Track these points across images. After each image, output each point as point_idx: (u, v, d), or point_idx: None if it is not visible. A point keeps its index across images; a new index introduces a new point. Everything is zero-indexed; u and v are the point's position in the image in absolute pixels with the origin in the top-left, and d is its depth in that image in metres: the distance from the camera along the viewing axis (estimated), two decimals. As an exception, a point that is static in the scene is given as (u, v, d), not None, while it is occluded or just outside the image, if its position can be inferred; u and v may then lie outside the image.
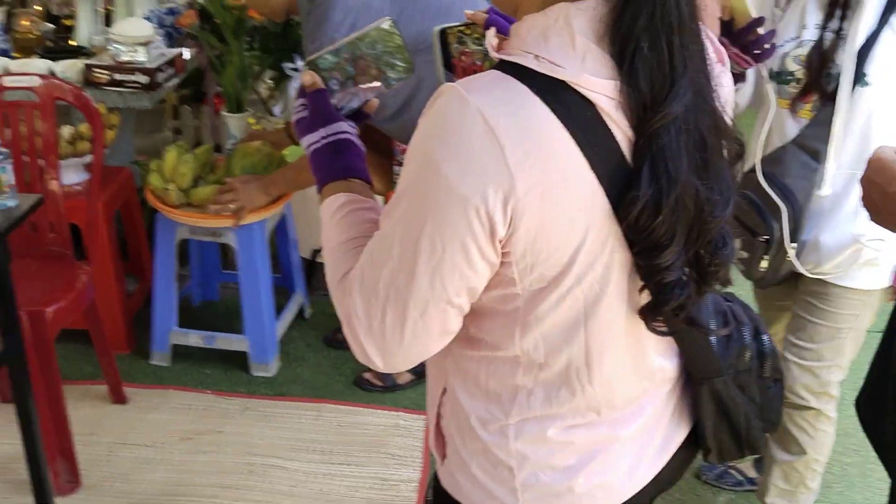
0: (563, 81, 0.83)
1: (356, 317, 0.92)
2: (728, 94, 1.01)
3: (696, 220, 0.89)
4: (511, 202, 0.82)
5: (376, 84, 1.08)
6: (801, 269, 1.80)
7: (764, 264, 1.80)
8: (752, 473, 2.38)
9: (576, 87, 0.83)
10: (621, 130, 0.85)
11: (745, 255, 1.84)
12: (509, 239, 0.85)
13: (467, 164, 0.82)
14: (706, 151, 0.89)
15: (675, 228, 0.87)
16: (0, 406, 2.50)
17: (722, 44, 1.63)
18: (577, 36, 0.84)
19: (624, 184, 0.86)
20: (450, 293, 0.88)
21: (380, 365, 0.95)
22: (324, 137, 1.05)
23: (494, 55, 0.89)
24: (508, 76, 0.84)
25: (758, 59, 1.65)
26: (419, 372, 2.67)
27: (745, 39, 1.61)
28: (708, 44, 0.95)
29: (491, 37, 0.93)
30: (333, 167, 1.04)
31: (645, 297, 0.93)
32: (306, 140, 1.06)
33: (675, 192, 0.85)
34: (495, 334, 0.97)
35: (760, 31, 1.60)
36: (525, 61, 0.84)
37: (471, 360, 1.02)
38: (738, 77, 1.77)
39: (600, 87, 0.84)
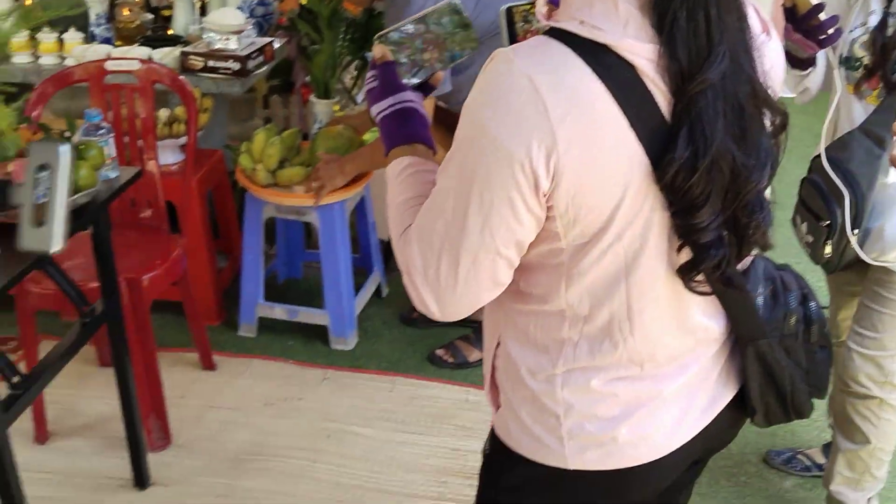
0: (605, 45, 0.89)
1: (414, 266, 1.00)
2: (772, 66, 1.03)
3: (732, 184, 0.93)
4: (553, 157, 0.88)
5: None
6: (865, 257, 1.80)
7: (827, 249, 1.80)
8: (820, 459, 2.36)
9: (617, 51, 0.88)
10: (661, 93, 0.90)
11: (810, 238, 1.85)
12: (552, 193, 0.91)
13: (512, 122, 0.88)
14: (743, 118, 0.93)
15: (709, 190, 0.91)
16: (99, 370, 2.70)
17: (786, 29, 1.66)
18: (621, 3, 0.89)
19: (664, 144, 0.90)
20: (498, 244, 0.95)
21: (435, 311, 1.02)
22: (391, 106, 1.14)
23: (544, 22, 0.96)
24: (553, 40, 0.90)
25: (822, 44, 1.66)
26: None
27: (807, 25, 1.63)
28: (752, 14, 0.99)
29: (541, 5, 0.99)
30: (399, 133, 1.13)
31: (684, 257, 0.98)
32: (375, 108, 1.15)
33: (711, 155, 0.89)
34: (542, 288, 1.03)
35: (822, 16, 1.61)
36: (570, 26, 0.91)
37: (521, 314, 1.08)
38: (808, 62, 1.79)
39: (640, 50, 0.89)
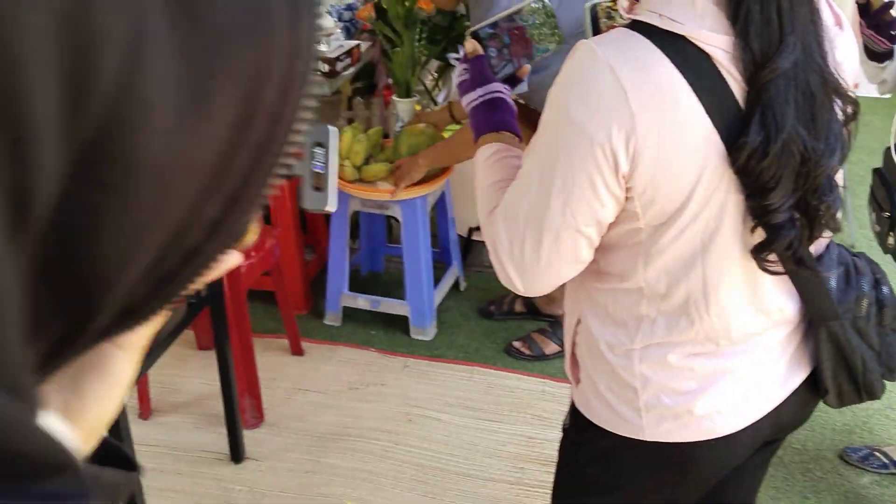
0: (682, 36, 0.95)
1: (500, 244, 1.07)
2: (845, 57, 1.07)
3: (802, 167, 0.97)
4: (632, 140, 0.94)
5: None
6: None
7: (891, 240, 1.83)
8: (898, 457, 2.36)
9: (694, 41, 0.94)
10: (736, 81, 0.95)
11: (878, 228, 1.88)
12: (632, 174, 0.97)
13: (594, 107, 0.95)
14: (814, 105, 0.97)
15: (781, 173, 0.96)
16: (196, 353, 2.85)
17: (860, 24, 1.70)
18: None
19: (738, 130, 0.95)
20: (579, 223, 1.01)
21: (520, 287, 1.09)
22: (481, 96, 1.22)
23: (625, 16, 1.04)
24: (634, 32, 0.97)
25: (893, 39, 1.70)
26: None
27: (879, 20, 1.66)
28: (825, 7, 1.05)
29: (623, 0, 1.07)
30: (488, 121, 1.21)
31: (757, 238, 1.03)
32: (466, 98, 1.24)
33: (782, 140, 0.94)
34: (621, 267, 1.09)
35: (893, 12, 1.65)
36: (650, 19, 0.97)
37: (600, 292, 1.14)
38: (885, 55, 1.82)
39: (716, 41, 0.94)
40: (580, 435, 1.26)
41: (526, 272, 1.07)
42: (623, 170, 0.97)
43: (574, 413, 1.28)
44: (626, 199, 1.01)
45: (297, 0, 0.23)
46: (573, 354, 1.25)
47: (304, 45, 0.24)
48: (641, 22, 0.98)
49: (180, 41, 0.20)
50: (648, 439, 1.16)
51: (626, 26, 1.00)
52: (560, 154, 0.99)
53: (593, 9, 1.29)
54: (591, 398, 1.21)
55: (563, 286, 1.16)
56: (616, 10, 1.30)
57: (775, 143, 0.95)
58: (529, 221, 1.04)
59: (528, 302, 3.04)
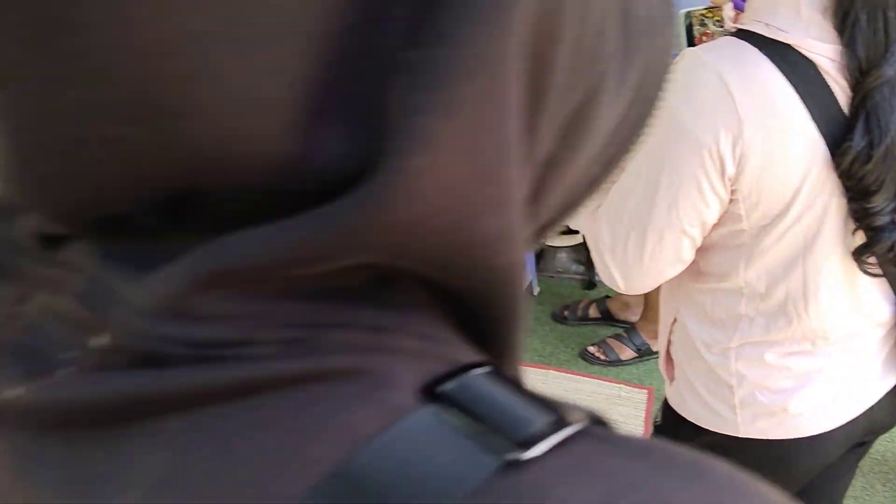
0: (788, 45, 0.98)
1: (603, 242, 1.10)
2: None
3: None
4: (739, 144, 0.97)
5: None
6: None
7: None
8: (984, 468, 2.32)
9: (800, 50, 0.97)
10: (841, 89, 0.98)
11: None
12: (737, 177, 1.00)
13: (702, 111, 0.98)
14: None
15: (884, 177, 0.98)
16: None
17: None
18: (804, 7, 0.98)
19: (842, 135, 0.98)
20: (684, 223, 1.04)
21: (621, 285, 1.12)
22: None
23: (731, 26, 1.07)
24: (740, 40, 1.00)
25: None
26: (641, 350, 2.82)
27: None
28: None
29: (728, 10, 1.10)
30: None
31: (858, 240, 1.05)
32: None
33: (885, 144, 0.96)
34: (722, 267, 1.11)
35: None
36: (756, 28, 1.00)
37: (699, 292, 1.16)
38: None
39: (822, 49, 0.97)
40: (673, 431, 1.28)
41: (628, 271, 1.10)
42: (729, 172, 1.00)
43: (667, 410, 1.30)
44: (731, 201, 1.03)
45: (667, 11, 0.29)
46: (668, 352, 1.28)
47: (670, 43, 0.30)
48: (747, 31, 1.02)
49: (620, 40, 0.27)
50: (743, 436, 1.18)
51: (732, 35, 1.03)
52: (666, 156, 1.02)
53: (687, 16, 1.33)
54: (685, 395, 1.24)
55: (655, 289, 1.19)
56: (709, 18, 1.34)
57: (879, 147, 0.97)
58: (634, 221, 1.06)
59: (603, 308, 3.05)
